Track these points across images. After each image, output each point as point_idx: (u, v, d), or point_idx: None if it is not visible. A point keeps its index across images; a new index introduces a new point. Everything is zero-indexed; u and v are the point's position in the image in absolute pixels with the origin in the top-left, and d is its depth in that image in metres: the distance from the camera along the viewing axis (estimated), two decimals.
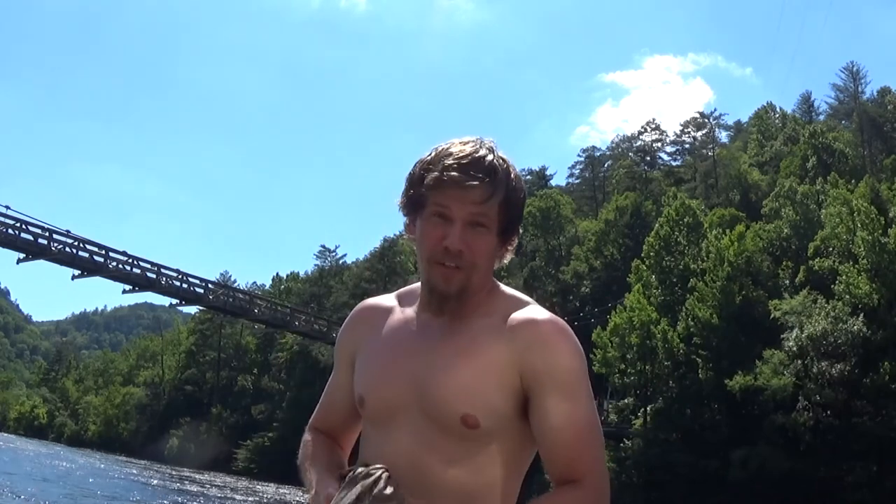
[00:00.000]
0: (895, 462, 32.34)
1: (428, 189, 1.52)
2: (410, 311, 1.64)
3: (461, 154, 1.52)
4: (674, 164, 77.07)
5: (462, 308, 1.56)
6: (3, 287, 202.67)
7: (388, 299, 1.71)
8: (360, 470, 1.46)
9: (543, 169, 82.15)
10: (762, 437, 35.36)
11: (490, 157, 1.53)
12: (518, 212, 1.59)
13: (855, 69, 66.13)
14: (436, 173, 1.51)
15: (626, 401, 45.81)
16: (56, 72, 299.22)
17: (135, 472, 47.75)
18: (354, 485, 1.42)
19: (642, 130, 79.06)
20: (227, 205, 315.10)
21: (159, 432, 71.41)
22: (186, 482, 42.70)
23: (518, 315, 1.55)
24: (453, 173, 1.49)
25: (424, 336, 1.58)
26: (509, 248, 1.62)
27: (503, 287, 1.63)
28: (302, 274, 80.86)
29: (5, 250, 33.92)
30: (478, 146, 1.54)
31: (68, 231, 35.20)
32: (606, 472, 1.54)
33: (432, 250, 1.52)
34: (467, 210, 1.50)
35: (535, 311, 1.57)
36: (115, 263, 36.62)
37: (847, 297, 36.74)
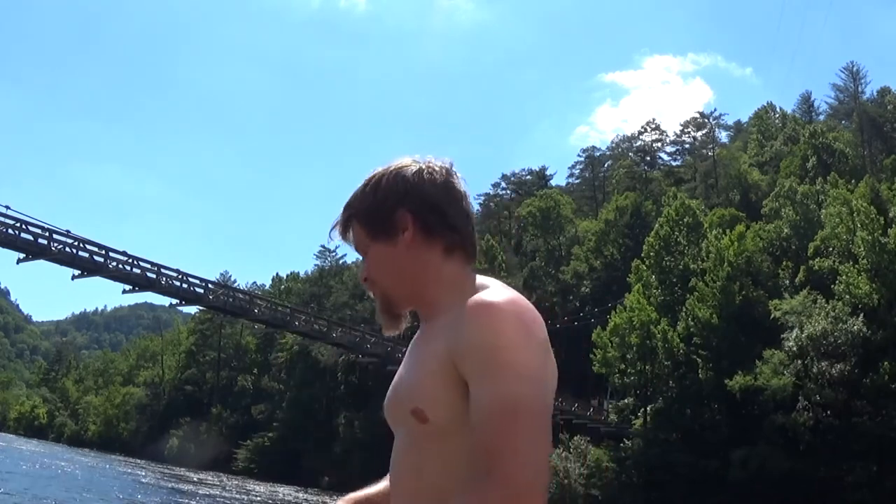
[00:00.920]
0: (895, 462, 32.35)
1: None
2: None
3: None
4: (674, 164, 77.09)
5: (427, 310, 1.61)
6: (3, 287, 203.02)
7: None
8: None
9: (543, 169, 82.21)
10: (762, 437, 35.37)
11: (352, 193, 1.67)
12: (376, 206, 1.60)
13: (855, 69, 66.24)
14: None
15: (626, 401, 45.80)
16: (56, 72, 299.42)
17: (135, 472, 47.76)
18: None
19: (642, 130, 79.13)
20: (227, 205, 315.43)
21: (159, 432, 71.42)
22: (186, 482, 42.70)
23: (465, 302, 1.50)
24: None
25: (410, 346, 1.65)
26: (412, 231, 1.58)
27: (472, 277, 1.61)
28: (302, 274, 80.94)
29: (5, 250, 33.92)
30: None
31: (68, 231, 35.19)
32: (528, 463, 1.33)
33: None
34: (354, 247, 1.66)
35: (478, 294, 1.50)
36: (115, 263, 36.60)
37: (847, 297, 36.75)
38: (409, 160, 1.64)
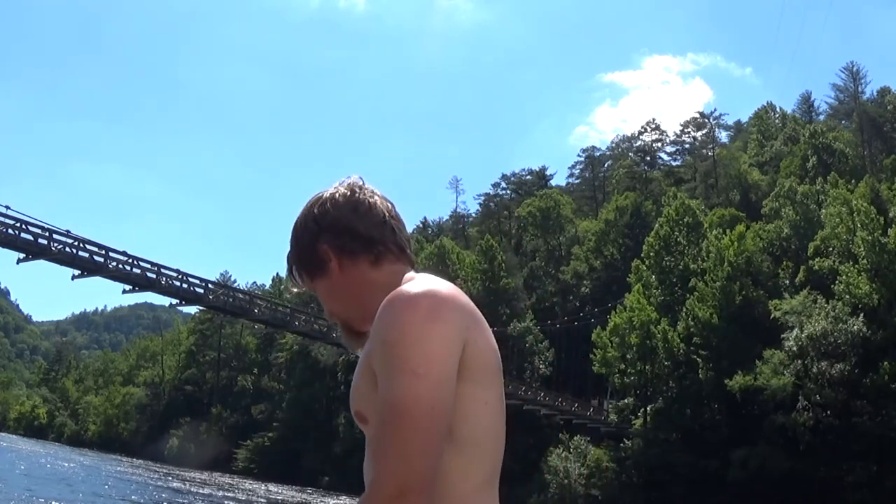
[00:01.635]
0: (895, 462, 32.35)
1: None
2: None
3: None
4: (674, 164, 77.10)
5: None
6: (3, 287, 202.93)
7: None
8: None
9: (543, 169, 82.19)
10: (762, 437, 35.37)
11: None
12: (302, 250, 1.71)
13: (855, 69, 66.23)
14: None
15: (626, 401, 45.78)
16: (56, 72, 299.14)
17: (135, 472, 47.77)
18: None
19: (642, 130, 79.16)
20: (227, 205, 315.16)
21: (159, 432, 71.41)
22: (186, 482, 42.70)
23: None
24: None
25: None
26: (337, 258, 1.66)
27: (407, 279, 1.61)
28: None
29: (5, 250, 33.89)
30: None
31: (68, 231, 35.17)
32: (404, 469, 1.30)
33: None
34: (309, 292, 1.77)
35: (392, 292, 1.49)
36: (115, 263, 36.58)
37: (847, 297, 36.75)
38: (319, 194, 1.74)
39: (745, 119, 79.21)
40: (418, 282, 1.50)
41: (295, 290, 1.80)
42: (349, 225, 1.65)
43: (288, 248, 1.76)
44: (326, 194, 1.71)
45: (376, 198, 1.69)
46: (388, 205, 1.70)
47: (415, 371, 1.35)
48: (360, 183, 1.72)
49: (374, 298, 1.56)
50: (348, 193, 1.69)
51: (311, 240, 1.67)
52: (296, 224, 1.73)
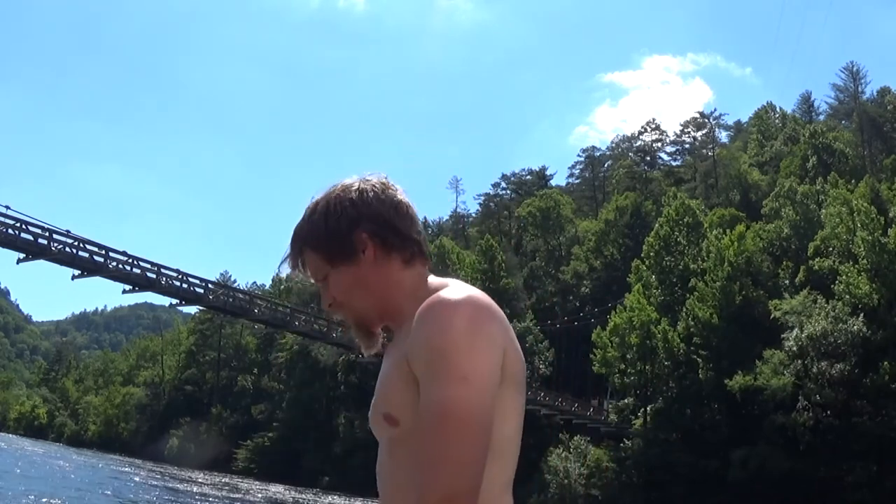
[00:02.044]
0: (895, 462, 32.35)
1: None
2: None
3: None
4: (674, 164, 77.11)
5: (397, 324, 1.64)
6: (3, 287, 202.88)
7: None
8: None
9: (543, 169, 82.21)
10: (762, 437, 35.37)
11: (292, 235, 1.70)
12: (329, 233, 1.63)
13: (855, 69, 66.24)
14: None
15: (626, 401, 45.78)
16: (56, 72, 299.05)
17: (135, 472, 47.75)
18: None
19: (642, 130, 79.17)
20: (227, 205, 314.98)
21: (159, 432, 71.40)
22: (186, 482, 42.70)
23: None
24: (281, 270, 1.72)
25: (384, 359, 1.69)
26: (373, 248, 1.62)
27: (432, 281, 1.63)
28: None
29: (5, 250, 33.88)
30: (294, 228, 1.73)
31: (68, 231, 35.16)
32: (455, 478, 1.33)
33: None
34: (310, 278, 1.68)
35: (431, 296, 1.50)
36: (115, 263, 36.57)
37: (847, 297, 36.74)
38: (349, 182, 1.68)
39: (745, 119, 79.33)
40: (456, 288, 1.52)
41: (288, 272, 1.70)
42: (391, 220, 1.62)
43: (298, 227, 1.68)
44: (366, 184, 1.65)
45: (408, 199, 1.69)
46: (415, 210, 1.71)
47: (466, 378, 1.37)
48: (391, 181, 1.70)
49: (396, 298, 1.61)
50: (387, 190, 1.66)
51: (349, 224, 1.61)
52: (326, 204, 1.65)
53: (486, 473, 1.41)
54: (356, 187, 1.65)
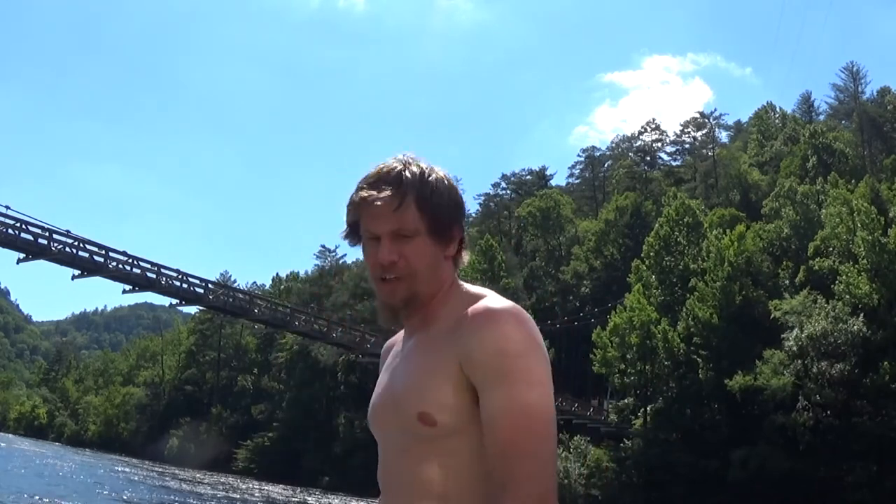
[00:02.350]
0: (895, 462, 32.34)
1: (353, 217, 1.62)
2: (404, 336, 1.73)
3: (368, 175, 1.61)
4: (674, 164, 77.07)
5: (426, 317, 1.62)
6: (3, 287, 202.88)
7: (401, 333, 1.78)
8: None
9: (543, 169, 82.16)
10: (762, 437, 35.37)
11: (397, 168, 1.59)
12: (444, 208, 1.58)
13: (855, 69, 66.22)
14: (351, 201, 1.61)
15: (626, 401, 45.79)
16: (56, 72, 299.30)
17: (135, 472, 47.76)
18: None
19: (642, 130, 79.13)
20: (227, 205, 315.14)
21: (159, 432, 71.41)
22: (186, 482, 42.70)
23: (465, 309, 1.55)
24: (362, 194, 1.58)
25: (403, 352, 1.67)
26: (456, 245, 1.63)
27: (466, 287, 1.65)
28: (302, 274, 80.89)
29: (5, 250, 33.89)
30: (387, 163, 1.62)
31: (68, 231, 35.18)
32: (546, 474, 1.41)
33: (373, 270, 1.61)
34: (386, 223, 1.56)
35: (480, 303, 1.54)
36: (115, 263, 36.58)
37: (847, 297, 36.74)
38: (441, 172, 1.63)
39: (745, 119, 79.30)
40: (499, 297, 1.57)
41: (382, 195, 1.55)
42: (464, 227, 1.67)
43: (410, 174, 1.57)
44: (431, 168, 1.61)
45: None
46: None
47: (540, 382, 1.47)
48: None
49: (440, 295, 1.62)
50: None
51: (457, 213, 1.62)
52: (443, 177, 1.60)
53: None
54: (451, 183, 1.64)
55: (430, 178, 1.58)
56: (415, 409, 1.52)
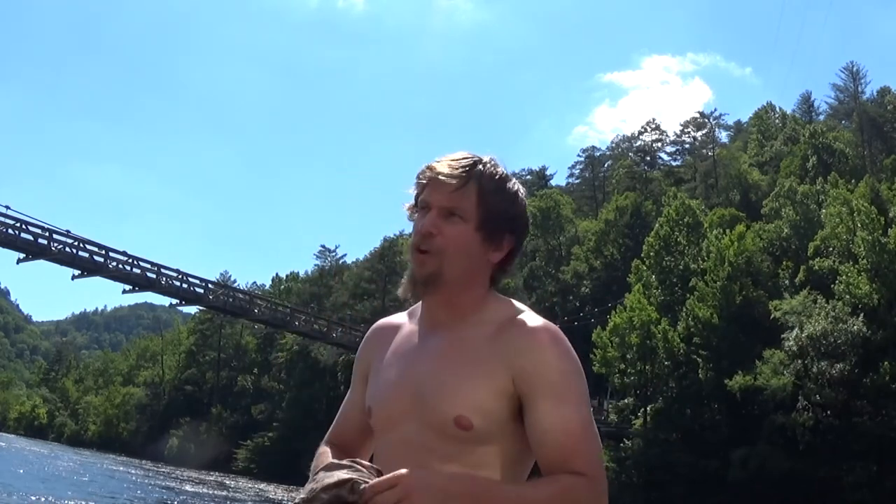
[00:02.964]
0: (895, 462, 32.34)
1: (419, 190, 1.63)
2: (416, 325, 1.71)
3: (446, 156, 1.63)
4: (674, 164, 77.06)
5: (453, 314, 1.62)
6: (3, 287, 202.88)
7: (399, 317, 1.78)
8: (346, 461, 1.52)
9: (543, 169, 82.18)
10: (762, 437, 35.36)
11: (474, 158, 1.62)
12: (503, 212, 1.60)
13: (855, 69, 66.13)
14: (421, 172, 1.63)
15: (626, 401, 45.78)
16: (56, 72, 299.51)
17: (135, 472, 47.76)
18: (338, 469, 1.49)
19: (642, 130, 79.12)
20: (227, 205, 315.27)
21: (159, 432, 71.39)
22: (186, 482, 42.70)
23: (511, 321, 1.59)
24: (434, 165, 1.61)
25: (425, 347, 1.64)
26: (503, 255, 1.63)
27: (499, 296, 1.67)
28: (302, 274, 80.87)
29: (5, 250, 33.97)
30: (468, 153, 1.64)
31: (68, 231, 35.25)
32: (604, 474, 1.53)
33: (414, 238, 1.62)
34: (442, 198, 1.58)
35: (527, 317, 1.59)
36: (115, 263, 36.63)
37: (847, 297, 36.72)
38: (518, 184, 1.66)
39: (745, 119, 79.25)
40: (536, 314, 1.62)
41: (452, 169, 1.58)
42: (522, 244, 1.68)
43: (479, 165, 1.60)
44: (502, 170, 1.64)
45: None
46: None
47: (588, 401, 1.59)
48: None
49: (471, 295, 1.63)
50: (529, 218, 1.70)
51: (514, 223, 1.63)
52: (513, 181, 1.63)
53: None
54: (526, 196, 1.68)
55: (502, 180, 1.61)
56: (452, 412, 1.54)
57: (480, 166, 1.60)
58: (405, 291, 1.63)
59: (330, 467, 1.50)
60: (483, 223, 1.58)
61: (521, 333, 1.55)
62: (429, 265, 1.58)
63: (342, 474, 1.46)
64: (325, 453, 1.78)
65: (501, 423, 1.54)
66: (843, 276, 37.24)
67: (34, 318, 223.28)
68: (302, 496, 1.48)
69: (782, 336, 37.74)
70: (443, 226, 1.58)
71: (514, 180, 1.64)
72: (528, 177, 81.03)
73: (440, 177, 1.58)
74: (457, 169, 1.58)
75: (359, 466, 1.49)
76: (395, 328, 1.75)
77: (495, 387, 1.53)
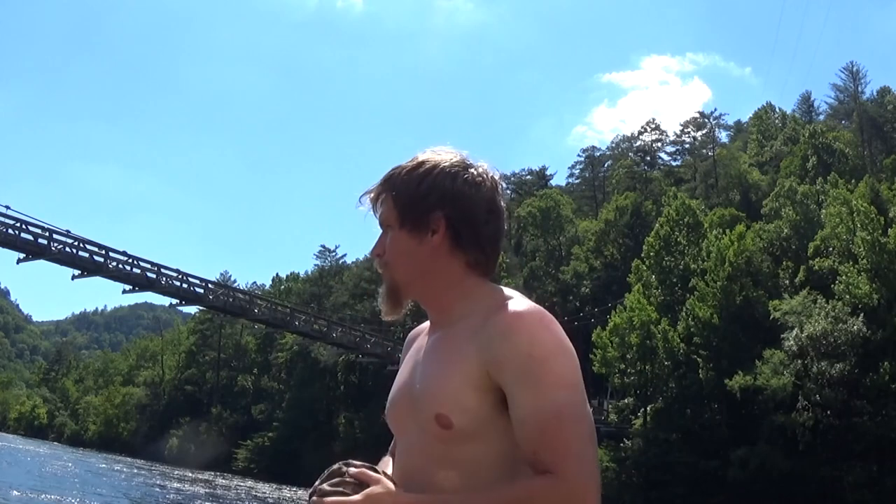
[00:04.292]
0: (895, 462, 32.33)
1: None
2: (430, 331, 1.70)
3: None
4: (674, 164, 77.03)
5: (441, 311, 1.61)
6: (3, 287, 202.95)
7: (427, 324, 1.74)
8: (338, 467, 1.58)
9: (543, 169, 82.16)
10: (762, 437, 35.36)
11: (399, 166, 1.62)
12: (410, 198, 1.57)
13: (855, 69, 66.09)
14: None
15: (626, 401, 45.78)
16: (56, 72, 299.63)
17: (135, 472, 47.75)
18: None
19: (642, 130, 79.02)
20: (227, 205, 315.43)
21: (159, 432, 71.38)
22: (186, 482, 42.69)
23: (495, 309, 1.51)
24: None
25: (423, 349, 1.64)
26: (443, 235, 1.57)
27: (492, 286, 1.61)
28: (302, 274, 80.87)
29: (5, 250, 33.98)
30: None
31: (68, 231, 35.26)
32: (587, 468, 1.41)
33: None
34: (377, 217, 1.63)
35: (509, 303, 1.51)
36: (115, 263, 36.64)
37: (847, 297, 36.71)
38: (460, 158, 1.61)
39: (745, 119, 79.22)
40: (523, 299, 1.54)
41: (364, 206, 1.63)
42: (476, 219, 1.57)
43: (396, 171, 1.60)
44: (475, 170, 1.60)
45: (503, 201, 1.64)
46: (505, 221, 1.65)
47: (569, 384, 1.45)
48: (501, 183, 1.66)
49: (447, 294, 1.59)
50: (493, 186, 1.61)
51: (435, 200, 1.56)
52: (428, 167, 1.58)
53: None
54: (470, 170, 1.59)
55: (403, 172, 1.59)
56: (432, 410, 1.50)
57: (396, 170, 1.61)
58: (386, 314, 1.66)
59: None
60: (402, 218, 1.58)
61: (493, 320, 1.48)
62: (386, 281, 1.63)
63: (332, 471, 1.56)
64: (383, 462, 1.76)
65: (485, 419, 1.48)
66: (843, 276, 37.24)
67: (34, 318, 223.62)
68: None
69: (782, 336, 37.72)
70: (384, 242, 1.61)
71: (429, 162, 1.59)
72: (528, 177, 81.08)
73: (366, 199, 1.64)
74: (372, 191, 1.63)
75: (345, 468, 1.55)
76: (418, 335, 1.74)
77: (471, 381, 1.47)
